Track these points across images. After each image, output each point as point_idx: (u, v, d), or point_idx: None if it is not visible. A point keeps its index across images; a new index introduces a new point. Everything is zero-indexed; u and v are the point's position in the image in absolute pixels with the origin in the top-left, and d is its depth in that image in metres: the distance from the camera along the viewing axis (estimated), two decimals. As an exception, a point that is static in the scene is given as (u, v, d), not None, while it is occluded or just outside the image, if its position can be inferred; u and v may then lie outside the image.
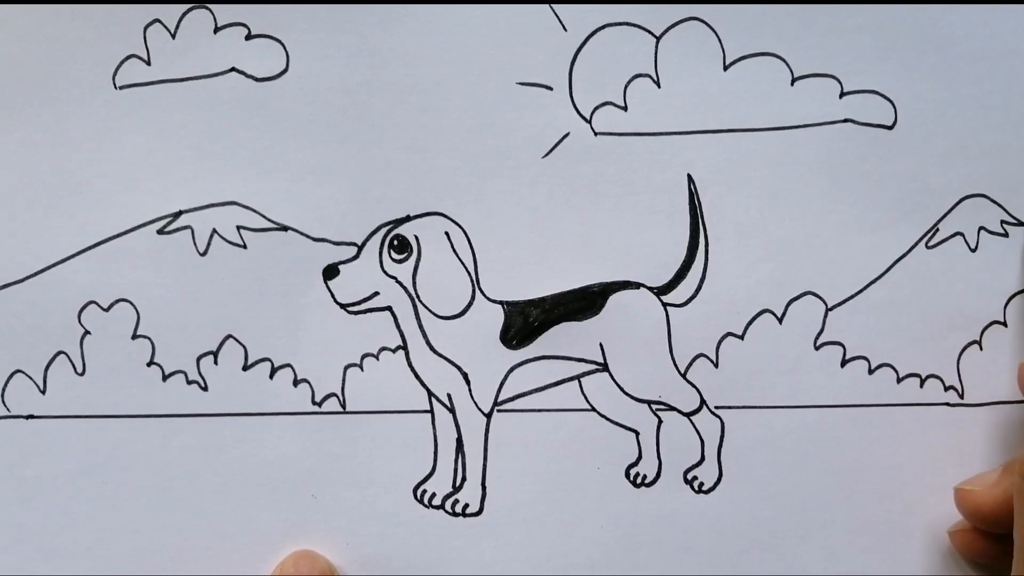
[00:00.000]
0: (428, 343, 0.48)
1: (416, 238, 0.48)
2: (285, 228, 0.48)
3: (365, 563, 0.49)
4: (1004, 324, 0.49)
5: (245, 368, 0.48)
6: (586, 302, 0.49)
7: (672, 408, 0.49)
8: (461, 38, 0.48)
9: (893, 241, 0.49)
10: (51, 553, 0.48)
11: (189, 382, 0.48)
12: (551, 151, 0.49)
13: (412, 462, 0.49)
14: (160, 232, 0.48)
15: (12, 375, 0.48)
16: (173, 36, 0.48)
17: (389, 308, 0.48)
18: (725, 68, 0.49)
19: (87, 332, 0.48)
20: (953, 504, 0.48)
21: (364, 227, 0.48)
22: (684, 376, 0.49)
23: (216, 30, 0.48)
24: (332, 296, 0.48)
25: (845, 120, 0.49)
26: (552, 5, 0.48)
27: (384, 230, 0.48)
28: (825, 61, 0.49)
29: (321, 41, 0.48)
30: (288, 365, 0.49)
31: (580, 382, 0.49)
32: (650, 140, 0.49)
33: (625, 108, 0.49)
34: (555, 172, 0.49)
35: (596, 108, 0.49)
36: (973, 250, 0.49)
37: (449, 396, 0.48)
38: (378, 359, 0.49)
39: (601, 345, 0.49)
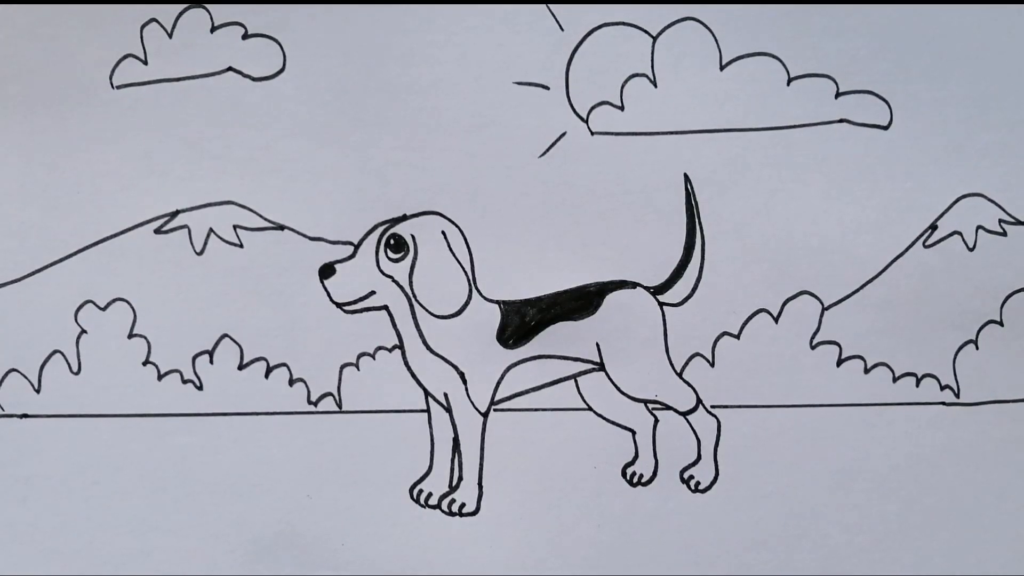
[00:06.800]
0: (424, 342, 0.48)
1: (412, 237, 0.48)
2: (281, 227, 0.48)
3: (361, 563, 0.48)
4: (1001, 323, 0.49)
5: (241, 367, 0.48)
6: (583, 301, 0.49)
7: (668, 407, 0.49)
8: (458, 37, 0.48)
9: (890, 240, 0.49)
10: (45, 553, 0.48)
11: (184, 381, 0.48)
12: (548, 150, 0.49)
13: (408, 462, 0.49)
14: (157, 231, 0.48)
15: (7, 374, 0.48)
16: (170, 35, 0.48)
17: (385, 307, 0.48)
18: (721, 68, 0.49)
19: (83, 331, 0.48)
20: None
21: (360, 226, 0.48)
22: (680, 375, 0.49)
23: (213, 29, 0.48)
24: (328, 295, 0.47)
25: (841, 120, 0.49)
26: (549, 5, 0.48)
27: (380, 229, 0.48)
28: (821, 61, 0.49)
29: (318, 41, 0.48)
30: (284, 364, 0.48)
31: (577, 381, 0.49)
32: (647, 140, 0.49)
33: (622, 108, 0.49)
34: (552, 171, 0.49)
35: (593, 108, 0.49)
36: (971, 249, 0.49)
37: (446, 395, 0.48)
38: (374, 358, 0.48)
39: (597, 344, 0.49)
